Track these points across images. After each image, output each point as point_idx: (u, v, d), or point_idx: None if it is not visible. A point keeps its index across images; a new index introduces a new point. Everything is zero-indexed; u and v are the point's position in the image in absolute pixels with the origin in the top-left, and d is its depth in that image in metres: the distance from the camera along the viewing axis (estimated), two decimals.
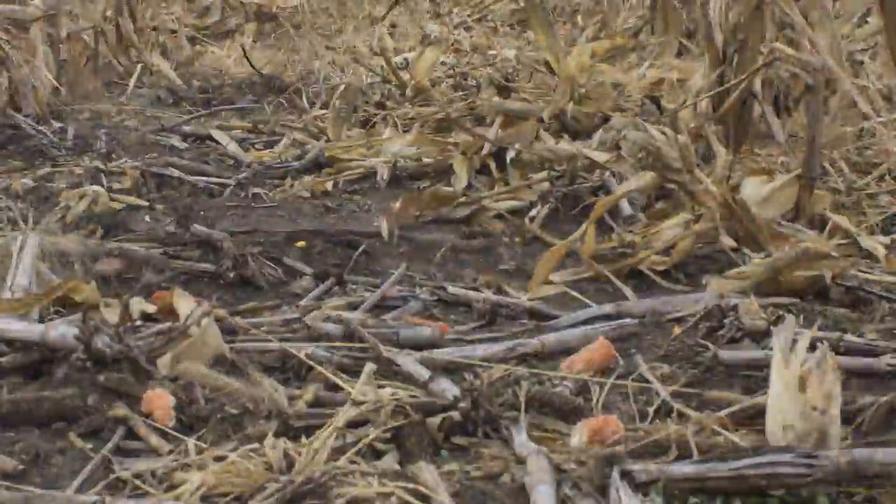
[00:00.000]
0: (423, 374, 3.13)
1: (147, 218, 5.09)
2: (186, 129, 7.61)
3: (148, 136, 7.19)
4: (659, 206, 5.05)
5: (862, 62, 7.40)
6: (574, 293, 4.16)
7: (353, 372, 3.17)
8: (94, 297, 3.76)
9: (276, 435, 2.77)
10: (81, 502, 2.46)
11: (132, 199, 5.47)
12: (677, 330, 3.59)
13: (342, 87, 8.64)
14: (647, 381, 3.22)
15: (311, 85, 9.43)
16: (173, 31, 13.07)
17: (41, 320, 3.53)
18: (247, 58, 9.87)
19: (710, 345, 3.38)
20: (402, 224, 4.93)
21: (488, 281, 4.24)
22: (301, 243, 4.71)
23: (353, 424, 2.82)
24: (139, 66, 10.03)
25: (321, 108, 8.27)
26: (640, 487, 2.49)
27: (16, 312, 3.52)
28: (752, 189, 4.85)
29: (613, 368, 3.31)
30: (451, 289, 4.09)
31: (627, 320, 3.68)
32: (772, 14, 6.58)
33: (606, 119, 6.86)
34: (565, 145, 6.07)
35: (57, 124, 7.43)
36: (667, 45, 9.61)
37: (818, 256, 3.99)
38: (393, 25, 14.09)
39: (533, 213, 5.20)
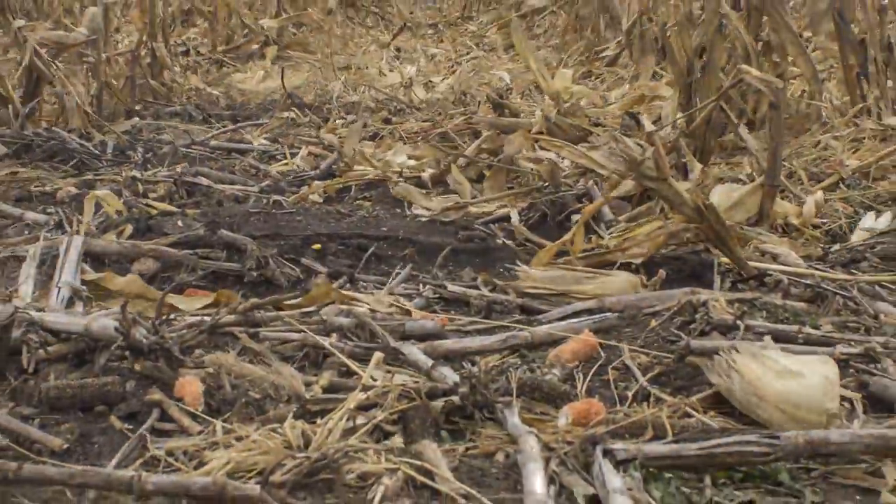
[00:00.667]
0: (426, 362, 3.14)
1: (179, 223, 5.07)
2: (214, 142, 7.61)
3: (180, 149, 7.19)
4: (638, 211, 5.05)
5: (823, 81, 7.43)
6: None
7: (364, 360, 3.17)
8: (138, 290, 3.79)
9: (295, 417, 2.77)
10: (120, 477, 2.46)
11: (165, 206, 5.47)
12: (653, 323, 3.59)
13: (353, 105, 8.67)
14: (626, 368, 3.22)
15: (326, 103, 9.45)
16: (201, 54, 13.10)
17: (84, 314, 3.53)
18: (282, 79, 9.83)
19: (682, 336, 3.38)
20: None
21: (484, 280, 4.23)
22: (316, 245, 4.71)
23: (363, 407, 2.82)
24: (171, 85, 10.05)
25: (335, 124, 8.29)
26: (621, 464, 2.49)
27: None
28: (721, 196, 4.85)
29: (596, 358, 3.31)
30: (450, 287, 4.09)
31: (609, 314, 3.68)
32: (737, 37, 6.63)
33: (590, 132, 6.87)
34: (550, 155, 6.07)
35: (98, 138, 7.44)
36: (643, 67, 9.65)
37: None
38: (398, 50, 14.12)
39: (523, 218, 5.20)
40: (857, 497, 2.49)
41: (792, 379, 2.83)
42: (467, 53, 13.94)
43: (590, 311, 3.74)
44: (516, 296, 3.99)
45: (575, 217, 4.85)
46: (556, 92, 6.96)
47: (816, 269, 4.24)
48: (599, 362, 3.27)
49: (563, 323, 3.62)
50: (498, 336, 3.48)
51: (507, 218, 5.22)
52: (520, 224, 5.08)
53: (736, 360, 2.92)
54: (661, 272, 4.08)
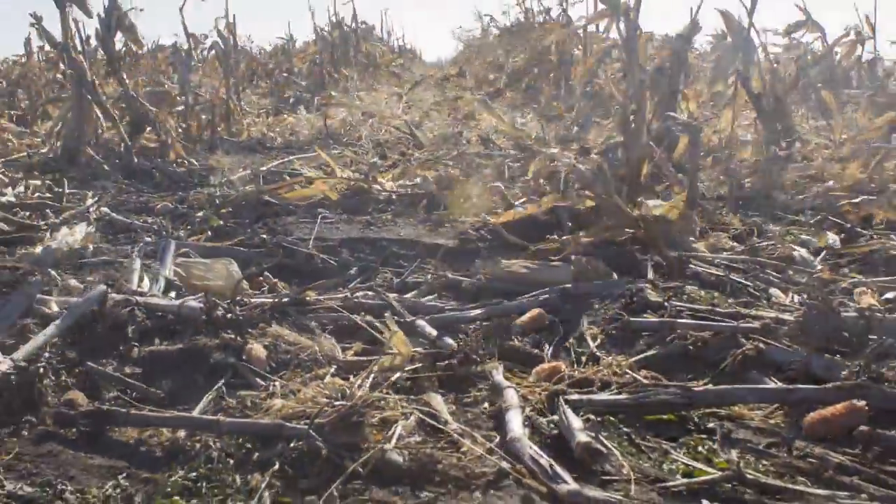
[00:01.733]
0: (432, 332, 3.14)
1: (247, 230, 5.08)
2: (273, 169, 7.60)
3: (246, 174, 7.18)
4: (588, 219, 5.02)
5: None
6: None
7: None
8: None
9: (333, 375, 2.78)
10: (204, 420, 2.47)
11: (236, 217, 5.46)
12: (601, 304, 3.57)
13: (379, 143, 8.65)
14: (581, 337, 3.21)
15: (357, 139, 9.43)
16: (262, 104, 13.07)
17: (176, 298, 3.53)
18: (324, 122, 9.82)
19: (623, 314, 3.38)
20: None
21: (473, 271, 4.21)
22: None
23: (385, 368, 2.82)
24: (241, 126, 10.04)
25: (363, 155, 8.28)
26: (578, 410, 2.49)
27: None
28: (652, 209, 4.83)
29: (547, 326, 3.29)
30: (449, 275, 4.08)
31: (568, 296, 3.65)
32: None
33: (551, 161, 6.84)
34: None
35: (188, 165, 7.44)
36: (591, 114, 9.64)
37: None
38: (409, 100, 14.09)
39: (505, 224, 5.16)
40: (759, 434, 2.49)
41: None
42: (462, 99, 13.93)
43: (556, 294, 3.72)
44: (492, 281, 3.97)
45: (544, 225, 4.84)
46: (518, 134, 6.98)
47: (725, 263, 4.24)
48: (560, 334, 3.25)
49: (532, 300, 3.59)
50: (484, 311, 3.48)
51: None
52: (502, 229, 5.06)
53: None
54: (596, 264, 4.04)
